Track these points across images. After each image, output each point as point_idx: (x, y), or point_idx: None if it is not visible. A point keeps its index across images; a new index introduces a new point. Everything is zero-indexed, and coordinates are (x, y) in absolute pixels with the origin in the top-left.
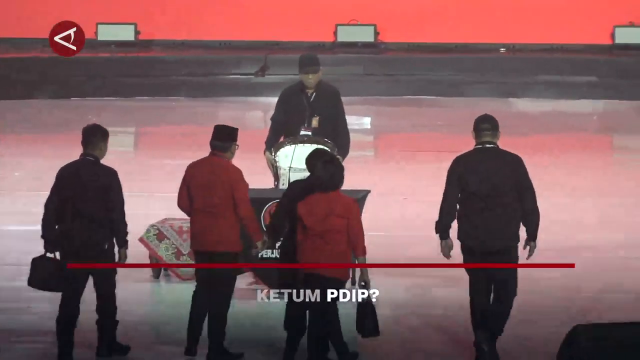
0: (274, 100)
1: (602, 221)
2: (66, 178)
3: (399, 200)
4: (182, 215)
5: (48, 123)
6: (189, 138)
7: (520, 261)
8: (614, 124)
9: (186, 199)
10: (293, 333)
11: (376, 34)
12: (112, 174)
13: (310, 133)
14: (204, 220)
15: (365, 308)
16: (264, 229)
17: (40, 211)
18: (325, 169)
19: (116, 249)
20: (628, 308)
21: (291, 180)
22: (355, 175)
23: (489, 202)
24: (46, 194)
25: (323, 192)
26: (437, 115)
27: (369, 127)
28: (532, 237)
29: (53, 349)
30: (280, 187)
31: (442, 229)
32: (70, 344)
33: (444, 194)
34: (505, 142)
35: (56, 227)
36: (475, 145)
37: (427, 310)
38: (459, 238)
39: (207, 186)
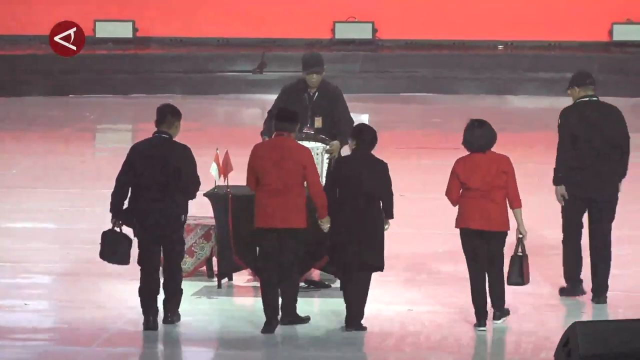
0: (271, 97)
1: None
2: (140, 154)
3: (396, 197)
4: None
5: (45, 120)
6: (187, 135)
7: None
8: None
9: (253, 179)
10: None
11: (374, 31)
12: (185, 150)
13: (312, 132)
14: (272, 198)
15: (515, 259)
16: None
17: (38, 208)
18: (474, 132)
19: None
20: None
21: None
22: None
23: (601, 152)
24: (43, 190)
25: (481, 152)
26: (435, 113)
27: (366, 124)
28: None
29: (50, 347)
30: None
31: (556, 178)
32: (156, 310)
33: (558, 147)
34: (501, 139)
35: (125, 201)
36: (579, 99)
37: None
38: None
39: (277, 166)
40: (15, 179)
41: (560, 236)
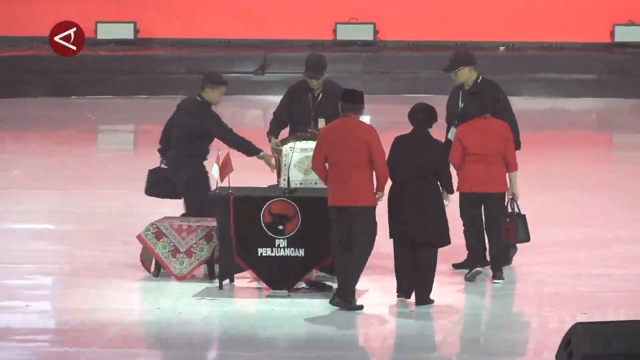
0: (274, 98)
1: (601, 217)
2: (179, 109)
3: None
4: (181, 213)
5: (47, 121)
6: None
7: None
8: (613, 121)
9: (321, 161)
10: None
11: (375, 32)
12: (210, 115)
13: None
14: (341, 177)
15: (517, 218)
16: (264, 227)
17: (39, 209)
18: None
19: None
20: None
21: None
22: None
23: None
24: (44, 191)
25: (483, 118)
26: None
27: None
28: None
29: (51, 347)
30: (282, 179)
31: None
32: None
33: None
34: None
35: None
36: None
37: None
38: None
39: (345, 145)
40: (16, 180)
41: (562, 235)
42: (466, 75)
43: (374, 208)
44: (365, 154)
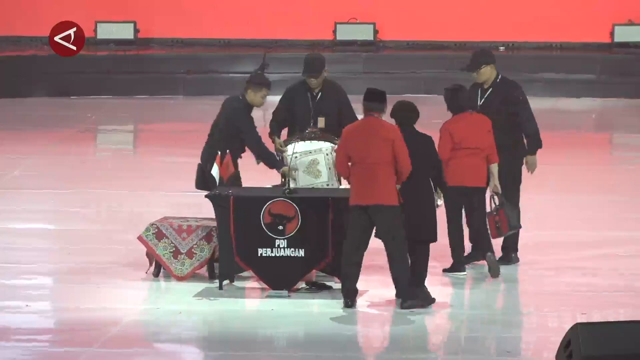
0: (274, 98)
1: (601, 218)
2: (222, 106)
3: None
4: (181, 214)
5: (47, 121)
6: (189, 136)
7: None
8: (613, 122)
9: (345, 161)
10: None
11: (375, 32)
12: (245, 118)
13: (317, 132)
14: (364, 176)
15: (507, 206)
16: (264, 227)
17: (39, 209)
18: (460, 94)
19: None
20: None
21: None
22: None
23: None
24: (45, 191)
25: (469, 113)
26: (436, 114)
27: None
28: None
29: (51, 348)
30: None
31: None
32: None
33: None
34: None
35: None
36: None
37: None
38: None
39: (369, 144)
40: (16, 180)
41: (561, 235)
42: (488, 73)
43: (398, 207)
44: (389, 153)
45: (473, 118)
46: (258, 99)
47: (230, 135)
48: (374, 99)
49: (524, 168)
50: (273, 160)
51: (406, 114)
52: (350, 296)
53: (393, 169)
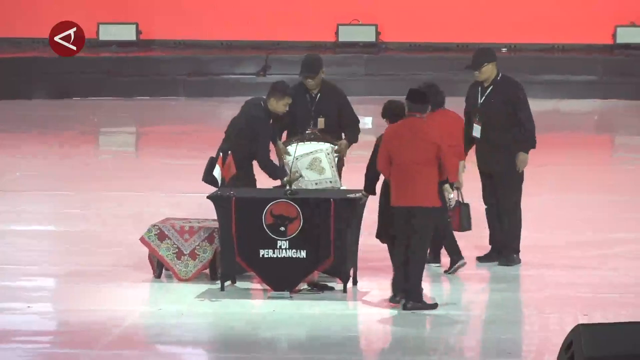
0: None
1: (602, 219)
2: (242, 108)
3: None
4: (183, 215)
5: (49, 123)
6: (190, 137)
7: None
8: (615, 123)
9: (387, 161)
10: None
11: (377, 33)
12: (261, 125)
13: (317, 133)
14: (404, 177)
15: (460, 206)
16: (266, 228)
17: (41, 210)
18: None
19: None
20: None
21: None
22: (356, 174)
23: None
24: (46, 193)
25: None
26: None
27: (370, 126)
28: None
29: (52, 349)
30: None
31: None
32: None
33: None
34: None
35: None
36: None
37: None
38: None
39: (413, 144)
40: (18, 182)
41: (563, 236)
42: (489, 72)
43: (437, 208)
44: (433, 153)
45: (439, 115)
46: (280, 107)
47: (247, 138)
48: (417, 99)
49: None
50: (275, 171)
51: (399, 114)
52: (400, 293)
53: (435, 169)
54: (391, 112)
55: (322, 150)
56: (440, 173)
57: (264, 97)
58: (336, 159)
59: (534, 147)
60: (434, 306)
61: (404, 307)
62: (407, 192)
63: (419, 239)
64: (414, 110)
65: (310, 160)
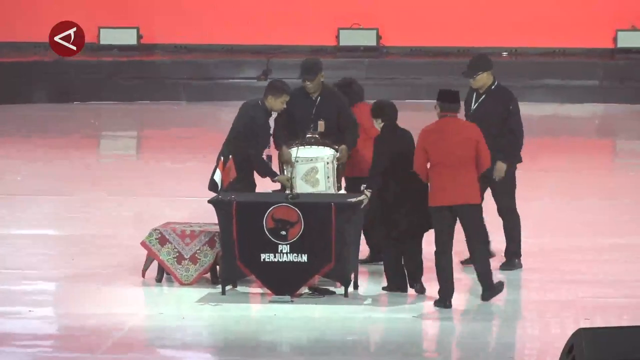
0: None
1: (603, 223)
2: (240, 109)
3: None
4: (184, 219)
5: (50, 127)
6: (191, 141)
7: None
8: (616, 127)
9: (424, 163)
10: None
11: (378, 38)
12: (257, 121)
13: (317, 137)
14: (446, 176)
15: None
16: (267, 232)
17: (42, 214)
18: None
19: None
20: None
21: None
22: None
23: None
24: (47, 197)
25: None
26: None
27: None
28: None
29: (54, 353)
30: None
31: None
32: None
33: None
34: None
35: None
36: None
37: None
38: None
39: (451, 144)
40: (19, 186)
41: (564, 241)
42: (484, 80)
43: (481, 205)
44: (472, 152)
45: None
46: (278, 105)
47: (246, 140)
48: (449, 99)
49: (517, 173)
50: (266, 170)
51: (392, 113)
52: (450, 297)
53: (474, 167)
54: (384, 113)
55: (322, 159)
56: (478, 167)
57: (261, 100)
58: (336, 166)
59: (520, 161)
60: (502, 286)
61: (484, 298)
62: (450, 191)
63: (477, 237)
64: (447, 110)
65: (307, 170)
